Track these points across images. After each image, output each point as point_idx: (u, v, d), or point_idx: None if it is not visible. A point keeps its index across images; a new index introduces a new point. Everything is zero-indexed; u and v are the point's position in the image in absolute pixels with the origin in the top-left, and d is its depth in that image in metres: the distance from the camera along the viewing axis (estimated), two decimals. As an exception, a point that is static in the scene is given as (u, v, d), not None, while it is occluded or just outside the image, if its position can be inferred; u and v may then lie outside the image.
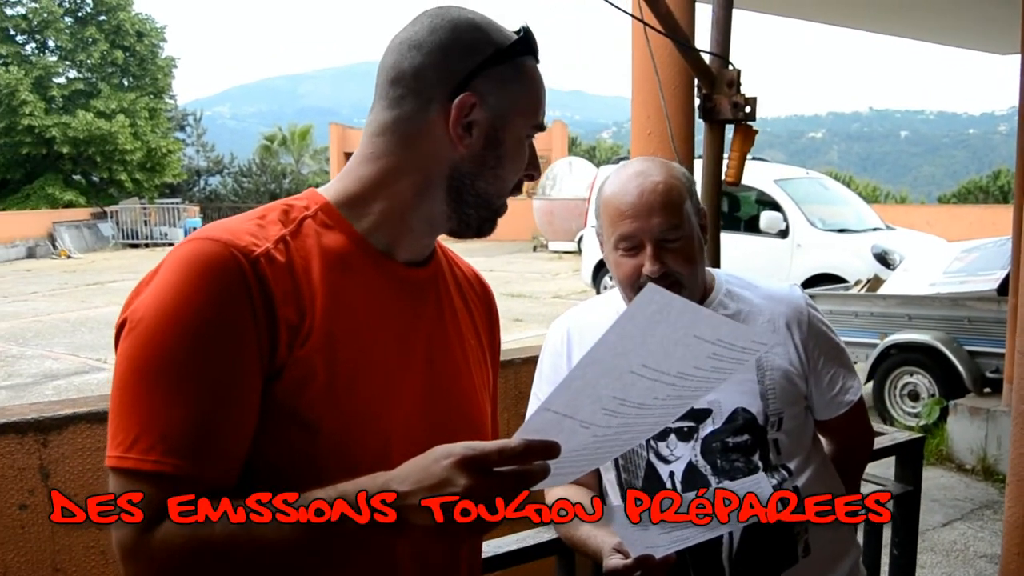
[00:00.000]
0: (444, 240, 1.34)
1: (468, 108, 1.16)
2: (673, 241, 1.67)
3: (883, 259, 9.86)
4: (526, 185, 1.30)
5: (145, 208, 28.45)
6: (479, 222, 1.23)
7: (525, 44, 1.20)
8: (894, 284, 7.89)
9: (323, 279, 1.12)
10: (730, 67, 3.10)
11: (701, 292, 1.77)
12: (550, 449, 0.97)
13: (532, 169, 1.25)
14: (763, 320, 1.75)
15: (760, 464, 1.68)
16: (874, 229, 11.11)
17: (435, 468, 0.96)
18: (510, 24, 1.23)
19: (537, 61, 1.23)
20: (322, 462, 1.06)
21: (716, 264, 3.04)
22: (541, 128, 1.24)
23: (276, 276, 1.07)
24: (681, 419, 1.68)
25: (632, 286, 1.70)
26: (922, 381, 6.83)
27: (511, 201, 1.28)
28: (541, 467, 0.97)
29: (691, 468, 1.69)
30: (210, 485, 1.02)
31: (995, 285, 6.74)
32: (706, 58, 3.10)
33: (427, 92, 1.17)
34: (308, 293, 1.10)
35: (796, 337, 1.75)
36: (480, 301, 1.41)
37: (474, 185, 1.20)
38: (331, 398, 1.08)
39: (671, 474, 1.70)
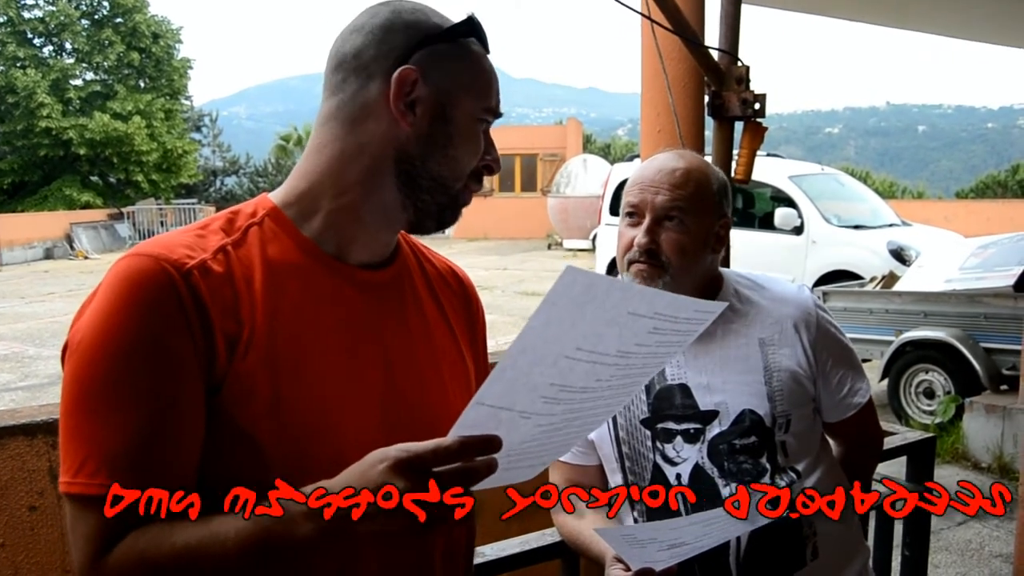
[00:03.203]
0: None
1: (409, 84, 1.12)
2: (674, 222, 1.68)
3: (899, 255, 9.78)
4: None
5: (161, 209, 28.62)
6: (438, 209, 1.18)
7: (469, 27, 1.16)
8: (909, 281, 7.83)
9: (265, 290, 1.09)
10: (739, 64, 3.08)
11: (707, 285, 1.76)
12: (489, 443, 0.95)
13: (490, 159, 1.20)
14: (770, 321, 1.74)
15: (768, 466, 1.67)
16: (890, 225, 11.03)
17: (371, 473, 0.94)
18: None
19: (485, 48, 1.19)
20: (271, 486, 1.02)
21: (726, 263, 3.02)
22: (495, 113, 1.20)
23: (212, 287, 1.05)
24: (687, 421, 1.68)
25: (624, 259, 1.73)
26: (938, 378, 6.78)
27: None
28: (485, 463, 0.95)
29: (698, 470, 1.67)
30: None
31: (1012, 281, 6.68)
32: (715, 55, 3.09)
33: (367, 70, 1.13)
34: (248, 304, 1.07)
35: (804, 339, 1.74)
36: (457, 297, 1.36)
37: (425, 167, 1.15)
38: (275, 415, 1.06)
39: (678, 476, 1.68)
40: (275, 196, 1.19)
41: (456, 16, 1.19)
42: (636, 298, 0.98)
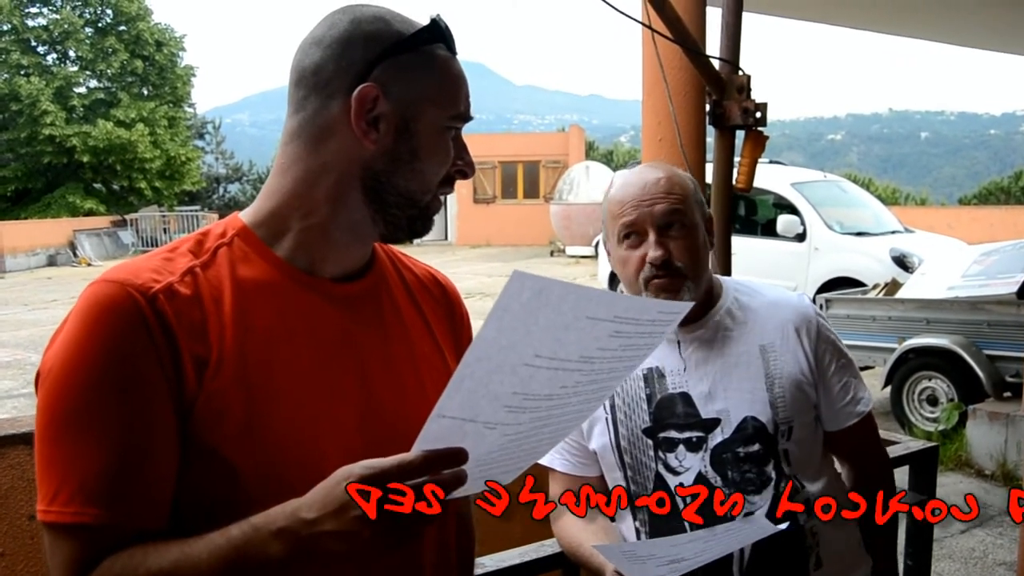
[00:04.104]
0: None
1: (371, 101, 1.10)
2: (676, 228, 1.68)
3: (902, 262, 9.77)
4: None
5: (164, 216, 28.59)
6: (408, 221, 1.17)
7: (433, 32, 1.13)
8: (912, 288, 7.82)
9: (235, 310, 1.09)
10: (740, 72, 3.08)
11: (706, 293, 1.75)
12: (455, 457, 0.94)
13: (463, 164, 1.19)
14: (771, 327, 1.73)
15: (773, 475, 1.66)
16: (892, 232, 11.01)
17: (337, 491, 0.94)
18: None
19: (452, 52, 1.16)
20: (246, 506, 1.01)
21: (727, 271, 3.02)
22: (464, 119, 1.18)
23: (179, 310, 1.05)
24: (690, 429, 1.68)
25: (638, 279, 1.69)
26: (940, 386, 6.77)
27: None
28: (452, 475, 0.94)
29: (700, 479, 1.67)
30: (137, 529, 1.01)
31: (1015, 288, 6.67)
32: (716, 64, 3.09)
33: (327, 87, 1.11)
34: (217, 325, 1.07)
35: (805, 344, 1.73)
36: (439, 304, 1.34)
37: (392, 183, 1.14)
38: (249, 436, 1.05)
39: (680, 485, 1.68)
40: (245, 216, 1.19)
41: (424, 18, 1.16)
42: (593, 302, 0.95)
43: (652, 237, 1.67)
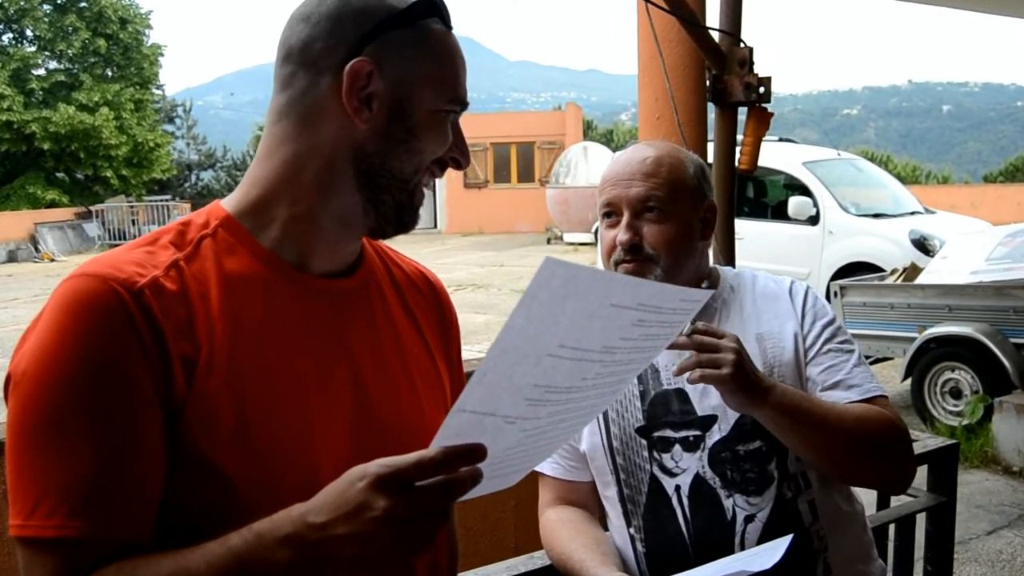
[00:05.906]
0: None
1: (364, 77, 1.10)
2: (654, 212, 1.69)
3: (922, 245, 9.76)
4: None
5: (132, 206, 28.55)
6: (397, 210, 1.17)
7: (427, 5, 1.14)
8: (932, 273, 7.80)
9: (223, 306, 1.08)
10: (742, 45, 3.07)
11: (690, 283, 1.74)
12: (474, 453, 0.94)
13: (458, 153, 1.19)
14: (767, 315, 1.73)
15: (776, 473, 1.66)
16: (912, 213, 11.00)
17: (350, 493, 0.93)
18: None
19: (448, 27, 1.17)
20: (237, 514, 1.00)
21: (729, 258, 3.02)
22: (461, 103, 1.18)
23: (165, 306, 1.04)
24: (686, 428, 1.68)
25: (611, 261, 1.72)
26: (964, 377, 6.76)
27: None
28: (469, 473, 0.94)
29: (698, 480, 1.67)
30: (123, 543, 1.00)
31: (1043, 272, 6.67)
32: (716, 36, 3.08)
33: (317, 64, 1.11)
34: (205, 323, 1.06)
35: (796, 307, 1.73)
36: (428, 304, 1.35)
37: (386, 166, 1.13)
38: (241, 439, 1.05)
39: (677, 488, 1.68)
40: (228, 204, 1.18)
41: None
42: (619, 289, 0.98)
43: (624, 218, 1.71)
